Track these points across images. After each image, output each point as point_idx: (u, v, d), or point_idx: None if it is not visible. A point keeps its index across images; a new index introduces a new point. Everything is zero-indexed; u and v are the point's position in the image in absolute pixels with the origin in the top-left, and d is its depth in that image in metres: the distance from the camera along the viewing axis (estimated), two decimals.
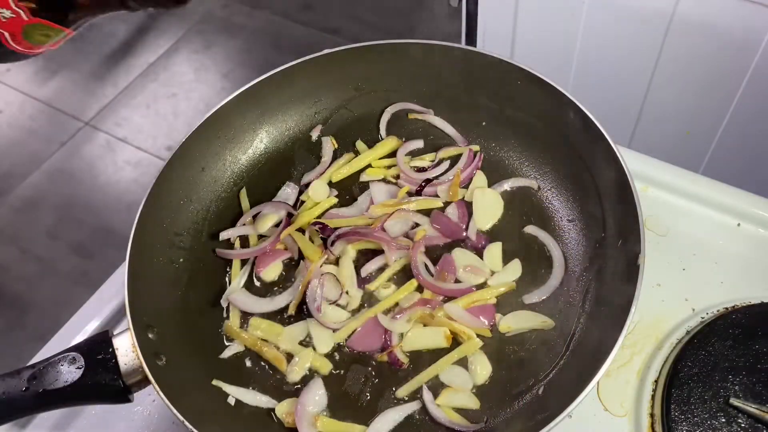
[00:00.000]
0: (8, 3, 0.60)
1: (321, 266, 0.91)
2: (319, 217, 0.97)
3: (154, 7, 0.66)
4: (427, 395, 0.81)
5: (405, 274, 0.91)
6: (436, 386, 0.82)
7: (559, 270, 0.89)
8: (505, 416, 0.80)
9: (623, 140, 1.62)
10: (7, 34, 0.63)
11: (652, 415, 0.84)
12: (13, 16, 0.61)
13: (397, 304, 0.88)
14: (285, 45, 3.08)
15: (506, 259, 0.92)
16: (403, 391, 0.82)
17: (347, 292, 0.89)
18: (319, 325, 0.87)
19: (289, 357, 0.86)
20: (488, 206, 0.96)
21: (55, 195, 2.66)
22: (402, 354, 0.84)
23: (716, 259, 0.96)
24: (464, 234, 0.93)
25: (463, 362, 0.84)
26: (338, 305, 0.89)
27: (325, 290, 0.88)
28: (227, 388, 0.83)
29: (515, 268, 0.90)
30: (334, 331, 0.86)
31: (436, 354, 0.84)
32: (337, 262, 0.92)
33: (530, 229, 0.94)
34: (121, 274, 0.94)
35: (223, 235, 0.96)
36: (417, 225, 0.95)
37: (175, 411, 0.71)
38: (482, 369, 0.83)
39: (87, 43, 3.17)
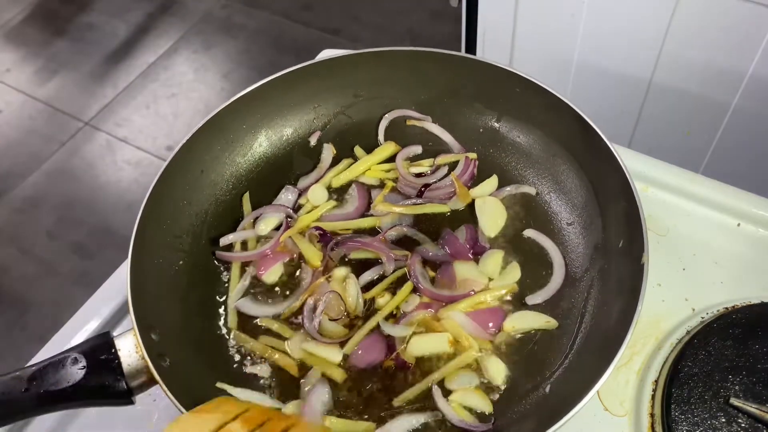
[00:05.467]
0: None
1: (325, 278, 0.90)
2: (317, 220, 0.96)
3: None
4: (437, 395, 0.81)
5: (403, 283, 0.90)
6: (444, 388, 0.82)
7: (559, 272, 0.90)
8: (512, 416, 0.80)
9: (623, 140, 1.61)
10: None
11: (652, 415, 0.84)
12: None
13: (395, 314, 0.87)
14: (285, 45, 3.08)
15: (506, 262, 0.91)
16: (410, 393, 0.81)
17: (348, 314, 0.88)
18: (320, 342, 0.86)
19: (301, 363, 0.85)
20: (492, 214, 0.96)
21: (55, 195, 2.66)
22: (408, 356, 0.84)
23: (716, 259, 0.96)
24: (470, 255, 0.92)
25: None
26: (336, 321, 0.88)
27: (326, 308, 0.87)
28: (232, 390, 0.82)
29: (514, 271, 0.90)
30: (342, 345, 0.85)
31: (440, 356, 0.84)
32: (339, 262, 0.92)
33: (529, 233, 0.94)
34: (121, 274, 0.94)
35: (224, 241, 0.95)
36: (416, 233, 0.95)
37: (185, 413, 0.70)
38: (497, 372, 0.82)
39: (87, 43, 3.17)
